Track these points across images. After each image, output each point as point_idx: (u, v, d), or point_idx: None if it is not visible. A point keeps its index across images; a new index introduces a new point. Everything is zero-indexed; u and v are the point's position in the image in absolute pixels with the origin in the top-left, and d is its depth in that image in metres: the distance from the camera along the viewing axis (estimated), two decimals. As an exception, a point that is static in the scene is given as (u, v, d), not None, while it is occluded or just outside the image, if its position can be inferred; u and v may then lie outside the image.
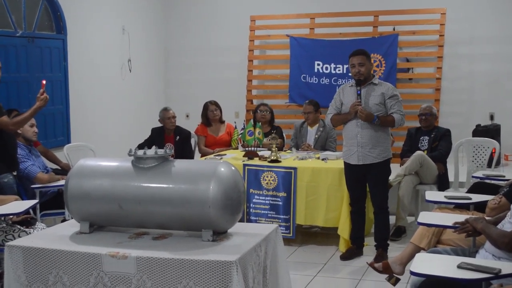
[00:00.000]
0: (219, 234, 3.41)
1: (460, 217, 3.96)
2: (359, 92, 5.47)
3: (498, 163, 7.56)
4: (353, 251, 5.86)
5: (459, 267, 3.05)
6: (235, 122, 7.97)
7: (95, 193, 3.43)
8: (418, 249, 4.43)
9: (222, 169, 3.35)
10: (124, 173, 3.45)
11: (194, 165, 3.57)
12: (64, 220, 5.80)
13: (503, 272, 2.99)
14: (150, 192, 3.35)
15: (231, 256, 3.05)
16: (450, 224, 3.84)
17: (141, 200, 3.35)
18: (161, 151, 3.46)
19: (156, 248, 3.24)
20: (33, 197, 5.72)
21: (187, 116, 10.17)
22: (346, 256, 5.82)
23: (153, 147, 3.50)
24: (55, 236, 3.53)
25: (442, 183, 6.74)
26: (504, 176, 5.68)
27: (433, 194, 5.07)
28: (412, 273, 3.07)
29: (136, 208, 3.37)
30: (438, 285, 2.92)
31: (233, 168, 3.43)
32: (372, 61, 6.17)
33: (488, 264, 3.11)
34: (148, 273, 3.11)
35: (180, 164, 3.47)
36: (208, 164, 3.46)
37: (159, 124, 7.65)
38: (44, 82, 5.18)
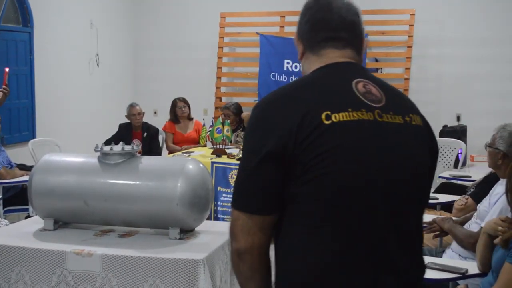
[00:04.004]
0: (186, 232, 3.36)
1: (427, 217, 3.98)
2: None
3: (464, 164, 7.64)
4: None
5: (426, 267, 3.05)
6: (203, 119, 7.92)
7: (60, 189, 3.36)
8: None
9: (190, 166, 3.31)
10: (90, 169, 3.39)
11: (161, 162, 3.52)
12: (28, 217, 5.69)
13: (470, 272, 3.01)
14: (117, 189, 3.29)
15: (198, 254, 3.01)
16: (417, 223, 3.85)
17: (107, 197, 3.29)
18: (128, 147, 3.40)
19: (122, 246, 3.18)
20: (-4, 193, 5.62)
21: (155, 112, 10.07)
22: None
23: (120, 143, 3.44)
24: (18, 232, 3.45)
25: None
26: (470, 177, 5.73)
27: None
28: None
29: (102, 205, 3.31)
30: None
31: (201, 165, 3.39)
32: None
33: (455, 264, 3.13)
34: (114, 271, 3.05)
35: (147, 161, 3.42)
36: (176, 161, 3.42)
37: (126, 120, 7.56)
38: (7, 70, 5.08)
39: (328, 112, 1.63)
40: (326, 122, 1.62)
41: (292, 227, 1.65)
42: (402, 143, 1.69)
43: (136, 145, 3.47)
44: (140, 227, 3.44)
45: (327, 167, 1.59)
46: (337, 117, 1.63)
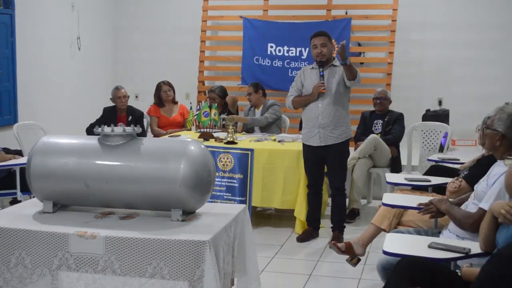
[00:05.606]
0: (188, 214, 3.35)
1: (424, 198, 4.01)
2: (322, 73, 5.48)
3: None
4: (310, 233, 5.88)
5: (430, 247, 3.09)
6: (190, 103, 7.88)
7: (60, 171, 3.31)
8: (379, 230, 4.48)
9: (192, 147, 3.28)
10: (91, 151, 3.35)
11: (163, 144, 3.50)
12: (14, 201, 5.62)
13: (472, 252, 3.04)
14: (118, 171, 3.26)
15: (204, 235, 2.99)
16: (414, 205, 3.88)
17: (109, 179, 3.26)
18: (129, 129, 3.37)
19: (125, 227, 3.15)
20: (-17, 177, 5.54)
21: (136, 96, 9.98)
22: (303, 238, 5.84)
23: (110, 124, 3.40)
24: (17, 215, 3.40)
25: (395, 166, 6.83)
26: (458, 160, 5.79)
27: (393, 176, 5.14)
28: (385, 252, 3.09)
29: (104, 187, 3.27)
30: (414, 264, 2.93)
31: (203, 147, 3.37)
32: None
33: (457, 244, 3.16)
34: (117, 253, 3.02)
35: (149, 142, 3.40)
36: (178, 142, 3.39)
37: (109, 104, 7.50)
38: None
39: None
40: None
41: None
42: None
43: (138, 127, 3.43)
44: (141, 209, 3.41)
45: None
46: None
